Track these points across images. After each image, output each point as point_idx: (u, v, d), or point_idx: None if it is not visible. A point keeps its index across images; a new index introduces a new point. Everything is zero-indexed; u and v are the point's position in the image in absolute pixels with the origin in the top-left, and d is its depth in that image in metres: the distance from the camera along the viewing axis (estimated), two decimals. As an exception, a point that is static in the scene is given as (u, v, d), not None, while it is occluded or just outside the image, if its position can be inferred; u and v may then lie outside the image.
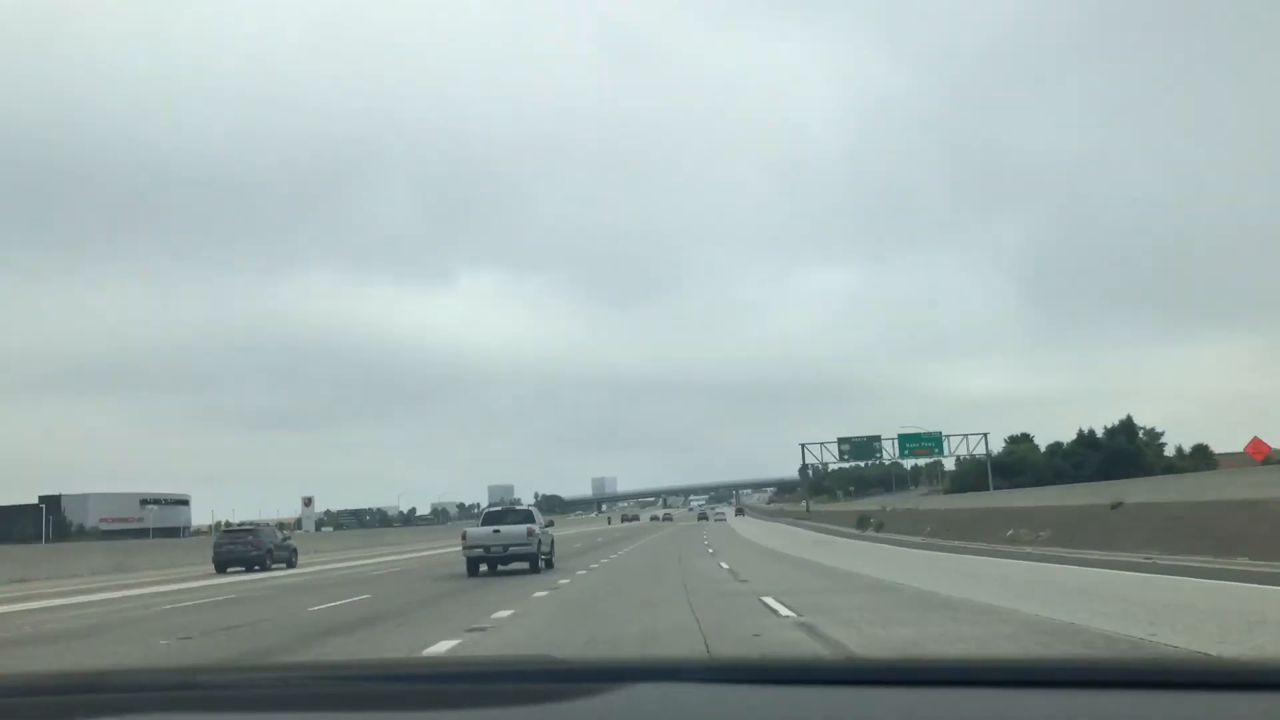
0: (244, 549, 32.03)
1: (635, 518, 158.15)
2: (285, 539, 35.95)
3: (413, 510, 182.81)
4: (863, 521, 50.19)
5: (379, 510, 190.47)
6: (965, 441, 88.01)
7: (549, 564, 23.34)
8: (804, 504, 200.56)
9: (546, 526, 24.18)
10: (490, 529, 22.06)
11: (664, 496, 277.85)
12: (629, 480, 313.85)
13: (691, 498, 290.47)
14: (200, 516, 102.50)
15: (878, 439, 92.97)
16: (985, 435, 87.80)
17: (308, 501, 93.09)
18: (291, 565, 33.54)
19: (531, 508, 25.90)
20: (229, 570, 31.11)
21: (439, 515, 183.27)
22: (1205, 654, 6.49)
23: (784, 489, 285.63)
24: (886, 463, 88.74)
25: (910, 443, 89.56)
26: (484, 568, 21.98)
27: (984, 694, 1.05)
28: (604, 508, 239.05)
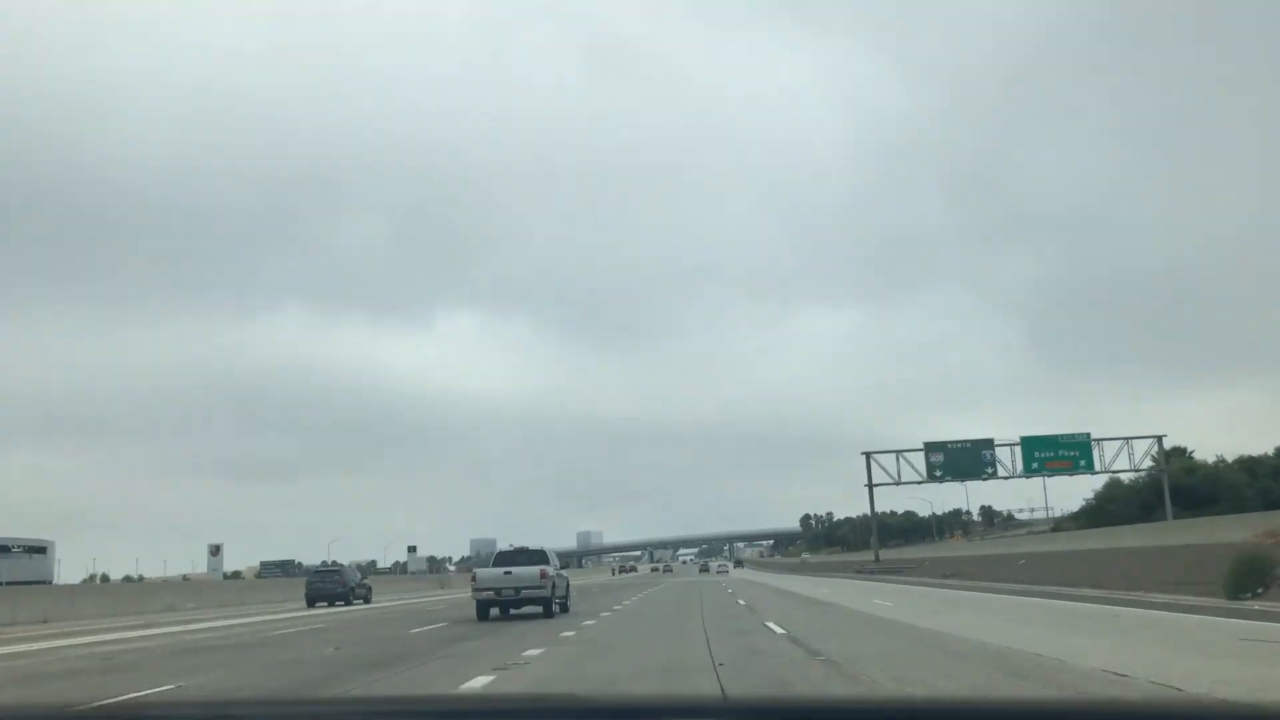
0: (331, 586, 37.39)
1: (633, 569, 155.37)
2: (363, 579, 41.67)
3: (372, 563, 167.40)
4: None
5: (331, 563, 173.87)
6: (1127, 450, 61.14)
7: (564, 608, 22.77)
8: (802, 556, 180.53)
9: (561, 570, 23.49)
10: (501, 570, 21.39)
11: (651, 550, 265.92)
12: (616, 533, 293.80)
13: (681, 551, 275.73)
14: (80, 567, 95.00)
15: (989, 445, 66.40)
16: (1159, 439, 61.10)
17: (215, 550, 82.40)
18: (368, 601, 38.55)
19: (546, 549, 22.72)
20: (316, 605, 35.95)
21: (397, 567, 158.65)
22: None
23: (782, 541, 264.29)
24: (1003, 478, 61.92)
25: (1041, 450, 62.60)
26: (494, 611, 21.39)
27: None
28: (584, 562, 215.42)
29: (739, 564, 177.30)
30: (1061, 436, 62.29)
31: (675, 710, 1.07)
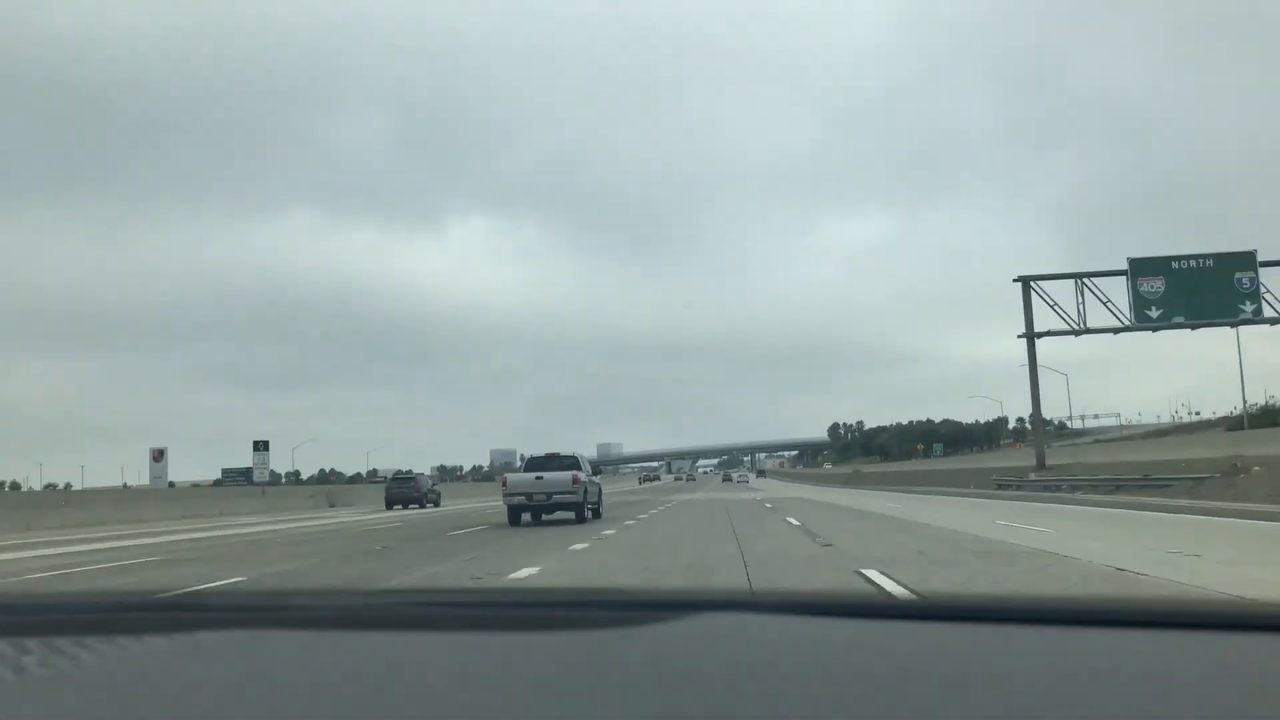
0: (407, 491, 42.67)
1: (656, 478, 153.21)
2: (434, 485, 46.69)
3: (373, 471, 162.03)
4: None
5: (333, 472, 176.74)
6: None
7: (596, 514, 22.48)
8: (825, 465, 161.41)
9: (594, 476, 23.27)
10: (533, 475, 21.13)
11: (669, 460, 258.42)
12: (636, 445, 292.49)
13: (701, 462, 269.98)
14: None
15: (1247, 263, 40.92)
16: None
17: (158, 455, 68.40)
18: (438, 505, 42.40)
19: (578, 455, 22.32)
20: (393, 507, 40.44)
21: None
22: None
23: (808, 452, 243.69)
24: (1271, 321, 35.62)
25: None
26: (526, 516, 21.17)
27: (1029, 631, 1.08)
28: (603, 473, 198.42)
29: (761, 474, 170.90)
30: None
31: (709, 604, 1.16)
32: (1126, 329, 43.08)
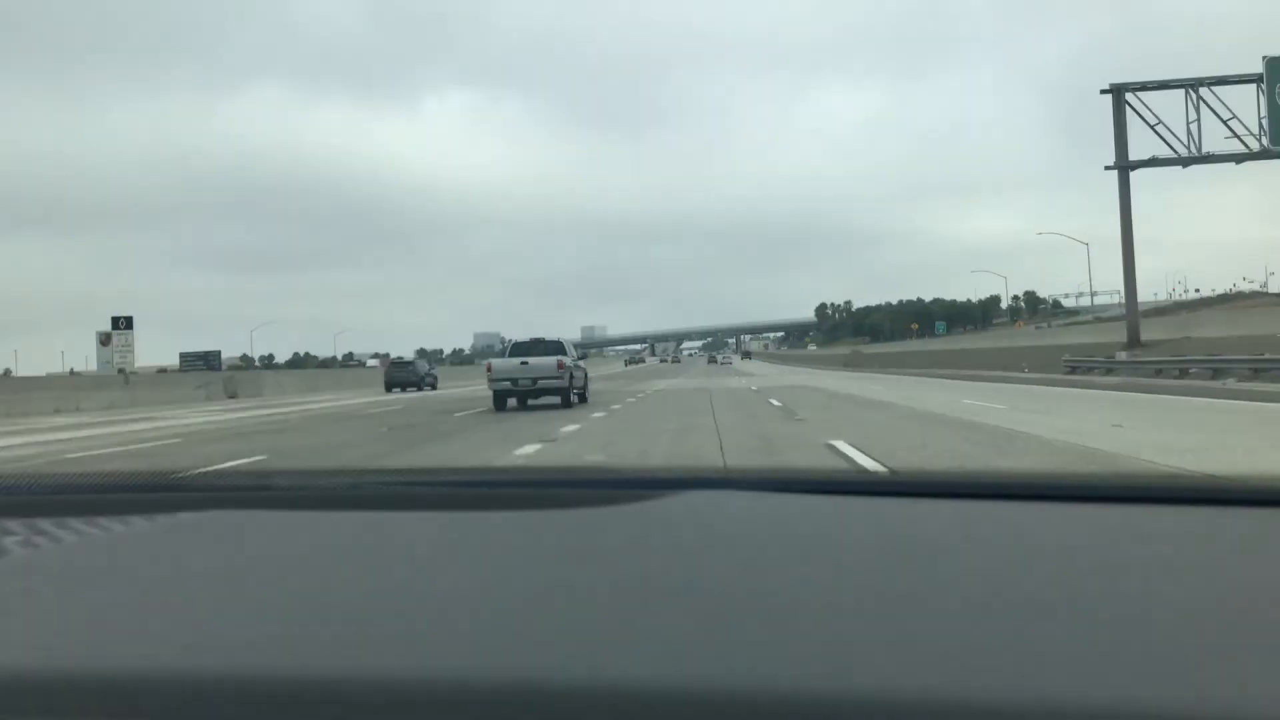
0: (406, 375, 44.43)
1: (641, 360, 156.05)
2: (430, 369, 47.24)
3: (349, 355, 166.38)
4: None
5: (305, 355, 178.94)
6: None
7: (582, 398, 22.25)
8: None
9: (580, 360, 23.09)
10: (517, 361, 20.82)
11: (653, 343, 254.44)
12: (620, 327, 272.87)
13: (686, 344, 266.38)
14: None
15: None
16: None
17: (105, 339, 52.36)
18: (434, 388, 43.59)
19: (563, 340, 22.05)
20: (392, 390, 41.87)
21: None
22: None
23: (794, 333, 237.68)
24: None
25: None
26: (512, 402, 20.96)
27: (1014, 507, 1.12)
28: (587, 355, 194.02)
29: (746, 355, 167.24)
30: None
31: (694, 482, 1.20)
32: (1255, 156, 33.76)
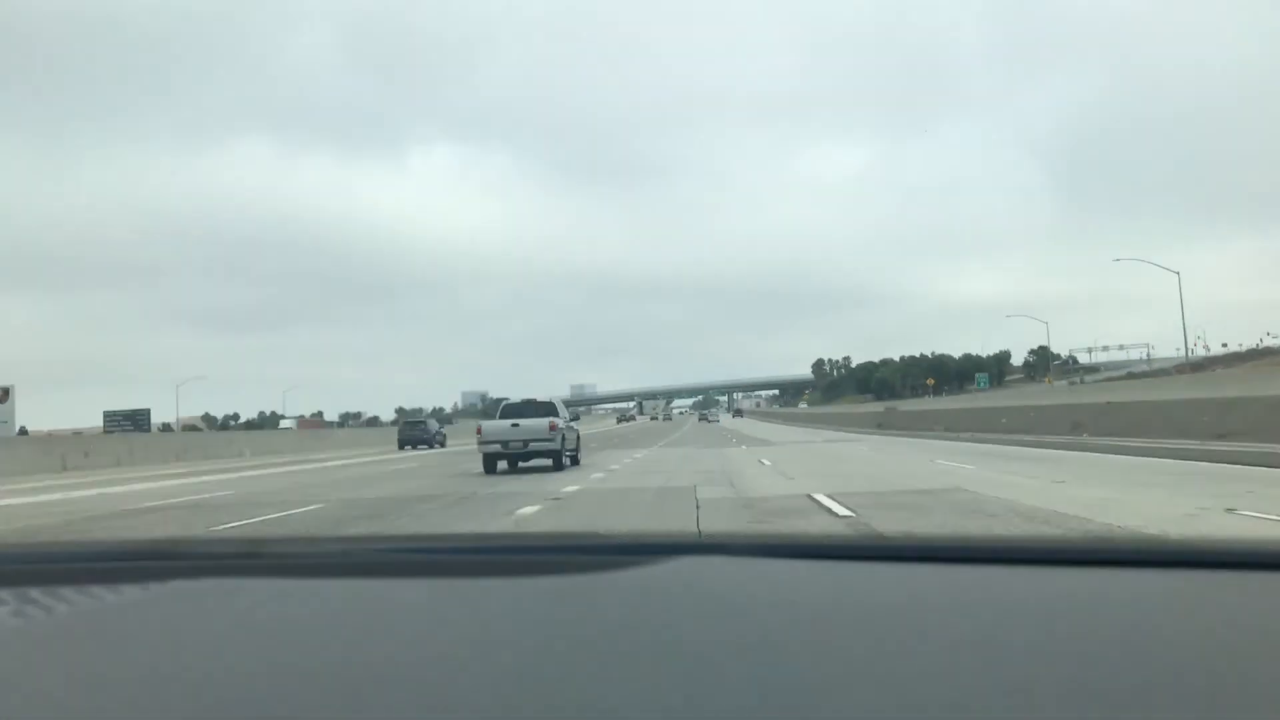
0: (418, 433, 46.42)
1: (632, 418, 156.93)
2: (440, 429, 49.59)
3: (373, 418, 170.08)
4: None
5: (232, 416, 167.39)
6: None
7: (574, 461, 22.15)
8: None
9: (572, 421, 22.70)
10: (508, 423, 20.67)
11: (640, 400, 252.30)
12: (610, 385, 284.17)
13: (676, 401, 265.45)
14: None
15: None
16: None
17: (3, 395, 52.22)
18: (443, 445, 45.40)
19: (554, 400, 21.77)
20: (404, 448, 43.84)
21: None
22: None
23: (789, 390, 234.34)
24: None
25: None
26: (503, 465, 20.84)
27: (997, 571, 1.12)
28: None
29: (738, 413, 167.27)
30: None
31: (688, 548, 1.19)
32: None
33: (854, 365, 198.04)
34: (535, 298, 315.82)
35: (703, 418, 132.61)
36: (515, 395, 21.65)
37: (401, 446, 44.67)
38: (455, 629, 0.92)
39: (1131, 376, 67.87)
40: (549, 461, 20.63)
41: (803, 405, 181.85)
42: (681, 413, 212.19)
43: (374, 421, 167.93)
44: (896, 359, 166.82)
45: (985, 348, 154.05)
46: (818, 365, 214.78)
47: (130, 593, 1.07)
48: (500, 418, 21.00)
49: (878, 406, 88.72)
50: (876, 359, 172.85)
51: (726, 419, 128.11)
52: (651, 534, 2.00)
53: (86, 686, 0.78)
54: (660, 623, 0.92)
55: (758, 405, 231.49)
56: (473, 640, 0.87)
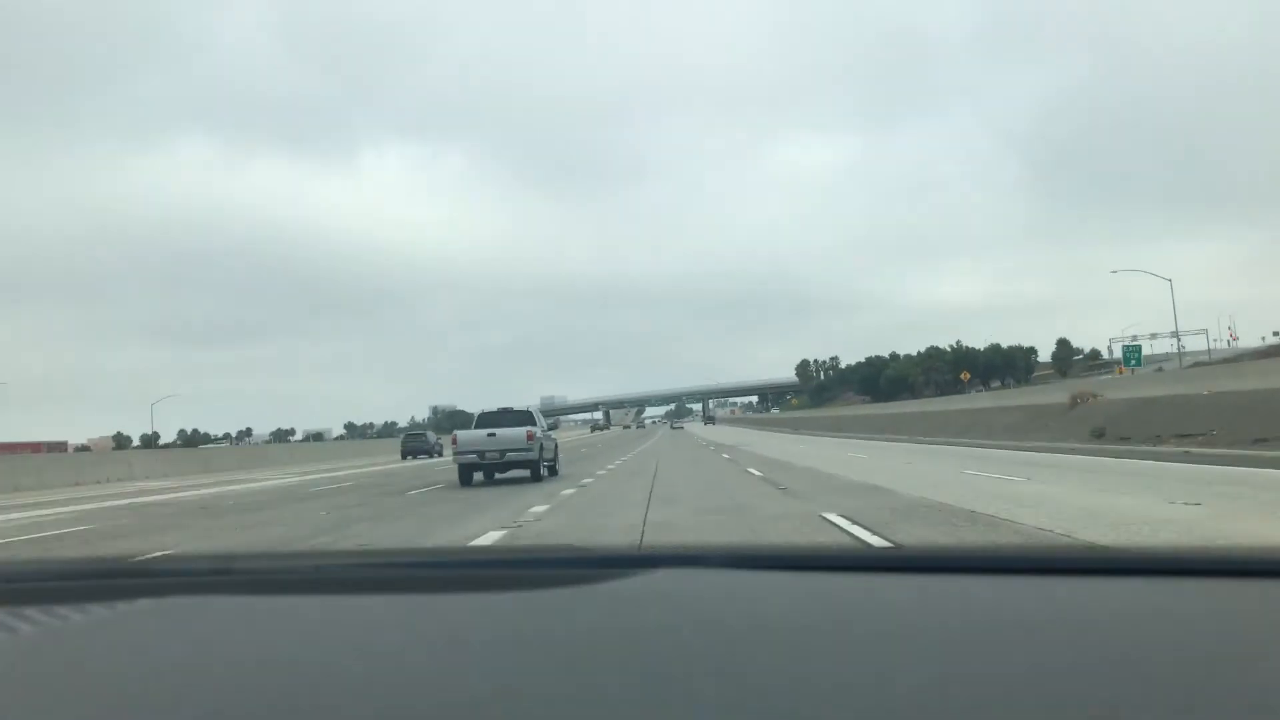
0: (420, 444, 52.49)
1: (606, 427, 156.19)
2: (437, 440, 53.18)
3: (320, 433, 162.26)
4: None
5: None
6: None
7: (553, 471, 22.12)
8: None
9: (549, 430, 22.94)
10: (485, 433, 20.37)
11: (608, 409, 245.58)
12: (580, 395, 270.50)
13: (648, 410, 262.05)
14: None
15: None
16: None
17: None
18: (441, 455, 47.59)
19: (531, 409, 21.73)
20: (407, 458, 49.20)
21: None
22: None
23: (770, 396, 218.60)
24: None
25: None
26: (479, 476, 20.60)
27: (979, 581, 1.11)
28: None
29: (710, 420, 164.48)
30: None
31: (665, 559, 1.20)
32: None
33: (867, 358, 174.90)
34: (500, 307, 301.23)
35: (675, 427, 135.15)
36: (487, 409, 21.12)
37: (404, 456, 50.55)
38: (430, 645, 0.90)
39: (1161, 371, 51.64)
40: (527, 473, 20.33)
41: (774, 411, 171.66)
42: (654, 421, 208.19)
43: (319, 436, 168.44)
44: (902, 355, 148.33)
45: (982, 343, 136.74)
46: (803, 367, 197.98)
47: (97, 612, 1.04)
48: (476, 427, 20.61)
49: (879, 409, 72.52)
50: (885, 353, 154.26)
51: (697, 427, 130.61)
52: (628, 547, 2.02)
53: (52, 710, 0.76)
54: (637, 636, 0.90)
55: (733, 413, 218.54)
56: (448, 656, 0.86)
